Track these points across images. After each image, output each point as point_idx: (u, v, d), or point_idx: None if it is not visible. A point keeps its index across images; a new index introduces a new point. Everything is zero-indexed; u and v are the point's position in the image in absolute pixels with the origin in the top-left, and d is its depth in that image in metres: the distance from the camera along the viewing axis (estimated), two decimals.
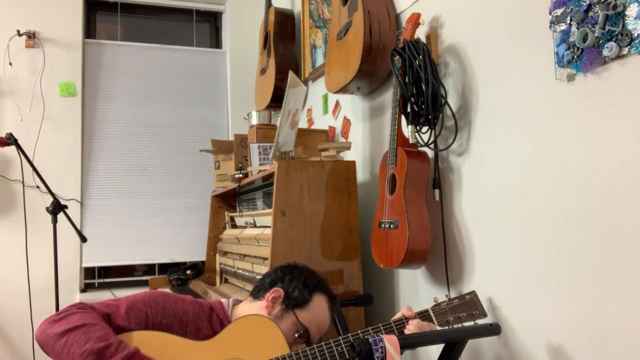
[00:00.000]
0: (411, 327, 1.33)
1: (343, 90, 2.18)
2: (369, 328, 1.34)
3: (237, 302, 1.49)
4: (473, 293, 1.45)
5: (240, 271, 2.45)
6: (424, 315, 1.39)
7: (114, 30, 3.67)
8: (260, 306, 1.42)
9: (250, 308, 1.44)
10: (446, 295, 1.45)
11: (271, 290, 1.43)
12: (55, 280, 2.47)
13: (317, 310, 1.43)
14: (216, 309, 1.42)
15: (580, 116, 1.26)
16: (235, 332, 1.30)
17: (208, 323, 1.37)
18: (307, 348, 1.26)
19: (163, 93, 3.54)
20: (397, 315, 1.39)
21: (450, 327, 1.39)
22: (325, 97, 2.73)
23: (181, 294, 1.44)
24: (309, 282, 1.44)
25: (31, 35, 3.17)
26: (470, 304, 1.43)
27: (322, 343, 1.27)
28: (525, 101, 1.43)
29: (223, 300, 1.47)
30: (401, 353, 1.27)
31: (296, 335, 1.39)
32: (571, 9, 1.26)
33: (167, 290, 2.74)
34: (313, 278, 1.46)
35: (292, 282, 1.44)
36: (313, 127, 2.89)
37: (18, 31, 3.14)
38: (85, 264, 3.26)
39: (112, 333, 1.18)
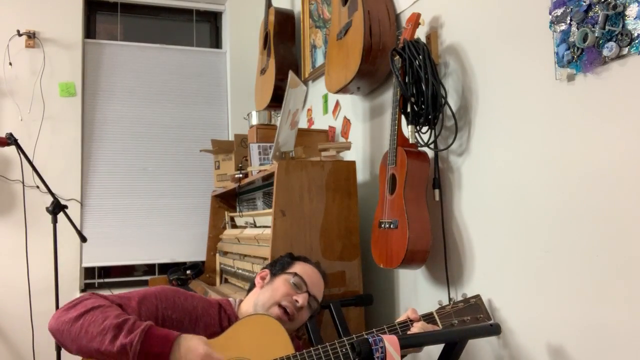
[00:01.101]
0: (415, 330, 1.33)
1: (343, 90, 2.18)
2: (374, 330, 1.34)
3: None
4: (478, 297, 1.45)
5: (240, 271, 2.45)
6: (428, 318, 1.39)
7: (114, 30, 3.67)
8: (255, 292, 1.48)
9: (248, 300, 1.48)
10: (450, 299, 1.45)
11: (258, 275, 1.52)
12: (55, 280, 2.48)
13: (304, 267, 1.49)
14: (224, 305, 1.43)
15: (580, 116, 1.26)
16: (241, 331, 1.30)
17: (217, 319, 1.38)
18: (311, 349, 1.26)
19: (163, 93, 3.54)
20: (402, 317, 1.39)
21: None
22: (325, 97, 2.73)
23: (195, 292, 1.46)
24: (287, 255, 1.56)
25: (31, 35, 3.17)
26: (474, 308, 1.43)
27: (327, 344, 1.26)
28: (526, 101, 1.43)
29: (230, 299, 1.50)
30: (405, 355, 1.27)
31: (292, 282, 1.42)
32: (571, 9, 1.26)
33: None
34: (291, 255, 1.57)
35: (274, 262, 1.55)
36: (313, 127, 2.90)
37: (18, 31, 3.14)
38: (85, 264, 3.26)
39: (127, 314, 1.19)
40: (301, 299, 1.39)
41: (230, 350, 1.27)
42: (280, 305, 1.37)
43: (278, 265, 1.50)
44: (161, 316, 1.28)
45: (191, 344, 1.12)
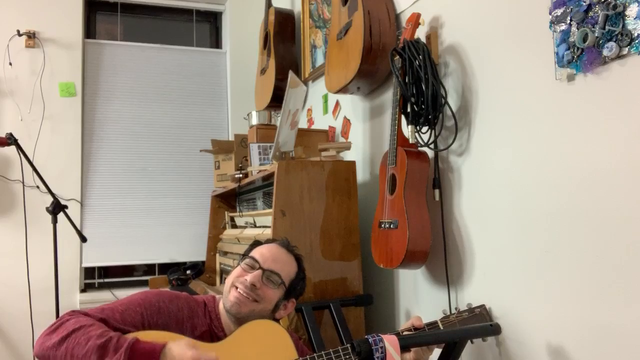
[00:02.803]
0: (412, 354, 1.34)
1: (343, 90, 2.18)
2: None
3: None
4: (482, 307, 1.45)
5: None
6: (432, 327, 1.39)
7: (114, 30, 3.67)
8: None
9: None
10: (456, 308, 1.45)
11: None
12: (55, 280, 2.47)
13: (260, 248, 1.46)
14: (208, 302, 1.43)
15: (580, 116, 1.26)
16: (243, 336, 1.29)
17: (204, 318, 1.38)
18: (315, 354, 1.25)
19: (163, 93, 3.54)
20: (406, 325, 1.38)
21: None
22: (325, 97, 2.73)
23: (181, 292, 1.44)
24: (250, 244, 1.53)
25: (31, 35, 3.17)
26: (479, 318, 1.42)
27: (331, 350, 1.26)
28: (526, 101, 1.43)
29: (217, 295, 1.49)
30: None
31: (242, 264, 1.41)
32: (571, 9, 1.26)
33: (167, 289, 2.75)
34: (255, 242, 1.53)
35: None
36: (313, 127, 2.89)
37: (18, 31, 3.14)
38: (85, 264, 3.26)
39: (110, 330, 1.17)
40: (250, 277, 1.37)
41: (232, 354, 1.26)
42: (236, 288, 1.37)
43: (242, 256, 1.49)
44: (147, 324, 1.27)
45: (178, 352, 1.11)
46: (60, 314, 2.50)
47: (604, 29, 1.17)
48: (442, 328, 1.38)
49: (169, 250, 3.43)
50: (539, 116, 1.38)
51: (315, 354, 1.26)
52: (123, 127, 3.43)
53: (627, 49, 1.13)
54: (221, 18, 3.88)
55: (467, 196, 1.65)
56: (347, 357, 1.24)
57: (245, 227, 2.56)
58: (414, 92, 1.67)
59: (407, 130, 1.71)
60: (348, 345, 1.26)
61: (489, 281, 1.56)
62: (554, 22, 1.31)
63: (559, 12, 1.30)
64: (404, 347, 1.25)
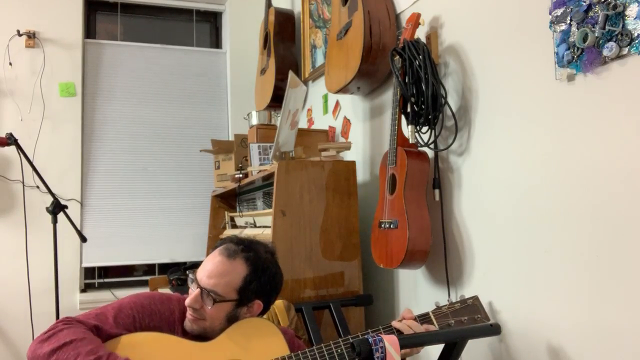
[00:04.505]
0: (396, 325, 1.32)
1: (343, 90, 2.18)
2: (369, 330, 1.34)
3: None
4: (475, 297, 1.45)
5: None
6: (424, 318, 1.39)
7: (114, 30, 3.66)
8: None
9: None
10: (448, 300, 1.45)
11: None
12: (55, 280, 2.47)
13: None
14: None
15: (581, 116, 1.26)
16: (235, 333, 1.30)
17: None
18: (306, 350, 1.26)
19: (163, 93, 3.54)
20: (398, 319, 1.38)
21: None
22: (325, 97, 2.73)
23: (173, 293, 1.44)
24: None
25: (31, 35, 3.17)
26: (472, 308, 1.42)
27: (322, 345, 1.26)
28: (526, 101, 1.43)
29: None
30: (405, 358, 1.26)
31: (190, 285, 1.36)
32: (571, 9, 1.26)
33: (167, 290, 2.75)
34: None
35: None
36: (313, 127, 2.89)
37: (18, 31, 3.14)
38: (85, 264, 3.26)
39: (102, 345, 1.17)
40: (187, 300, 1.32)
41: (225, 351, 1.27)
42: None
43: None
44: (139, 326, 1.28)
45: None
46: (60, 314, 2.51)
47: (604, 29, 1.17)
48: (434, 320, 1.38)
49: (169, 250, 3.43)
50: (539, 116, 1.38)
51: (307, 349, 1.26)
52: (123, 127, 3.42)
53: (627, 49, 1.13)
54: (221, 18, 3.88)
55: (467, 196, 1.65)
56: (339, 350, 1.24)
57: (245, 227, 2.56)
58: (414, 92, 1.67)
59: (407, 130, 1.71)
60: (340, 340, 1.26)
61: (489, 281, 1.56)
62: (554, 22, 1.31)
63: (559, 12, 1.30)
64: (404, 347, 1.25)
